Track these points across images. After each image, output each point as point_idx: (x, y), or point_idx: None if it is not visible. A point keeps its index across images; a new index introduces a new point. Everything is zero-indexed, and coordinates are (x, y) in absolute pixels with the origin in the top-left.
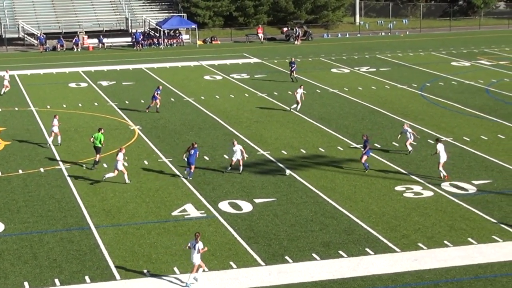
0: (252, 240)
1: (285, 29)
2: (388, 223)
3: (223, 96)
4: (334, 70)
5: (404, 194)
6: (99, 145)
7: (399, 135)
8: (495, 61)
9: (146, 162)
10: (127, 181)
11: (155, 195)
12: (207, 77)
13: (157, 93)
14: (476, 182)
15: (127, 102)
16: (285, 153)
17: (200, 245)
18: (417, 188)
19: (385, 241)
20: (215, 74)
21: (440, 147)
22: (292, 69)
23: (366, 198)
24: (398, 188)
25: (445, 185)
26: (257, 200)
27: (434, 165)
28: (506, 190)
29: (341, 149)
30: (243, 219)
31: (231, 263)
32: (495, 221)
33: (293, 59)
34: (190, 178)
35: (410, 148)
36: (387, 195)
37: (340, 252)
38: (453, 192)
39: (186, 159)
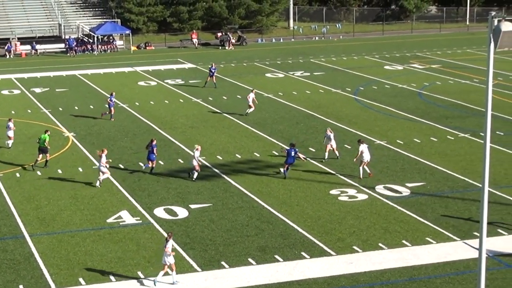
0: (188, 246)
1: (219, 34)
2: (323, 226)
3: (157, 102)
4: (268, 75)
5: (339, 198)
6: (43, 146)
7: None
8: (427, 65)
9: (80, 169)
10: (98, 184)
11: (90, 202)
12: (141, 83)
13: (110, 100)
14: (409, 185)
15: (60, 109)
16: (221, 158)
17: (169, 244)
18: (351, 192)
19: (321, 244)
20: (150, 80)
21: (363, 147)
22: (212, 75)
23: (302, 202)
24: (333, 191)
25: (379, 188)
26: (192, 206)
27: (368, 168)
28: (439, 192)
29: (276, 153)
30: (178, 225)
31: (168, 269)
32: (428, 223)
33: (213, 64)
34: (144, 167)
35: (337, 153)
36: (322, 199)
37: (276, 256)
38: (387, 195)
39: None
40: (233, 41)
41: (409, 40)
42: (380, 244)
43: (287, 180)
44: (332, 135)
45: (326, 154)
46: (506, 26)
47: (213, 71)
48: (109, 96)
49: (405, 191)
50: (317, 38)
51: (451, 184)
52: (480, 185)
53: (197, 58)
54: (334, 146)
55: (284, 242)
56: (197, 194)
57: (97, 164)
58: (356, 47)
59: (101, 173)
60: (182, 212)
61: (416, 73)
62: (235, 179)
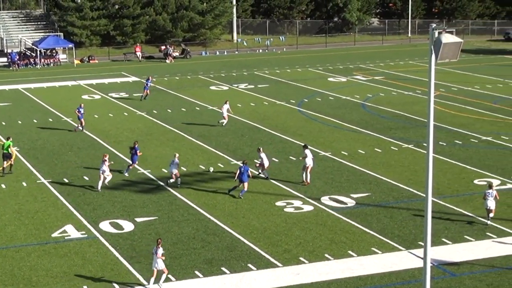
0: (134, 260)
1: (163, 47)
2: (269, 238)
3: (102, 115)
4: (213, 87)
5: (285, 209)
6: (7, 152)
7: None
8: (370, 76)
9: (24, 184)
10: (99, 189)
11: (35, 217)
12: (85, 97)
13: (79, 112)
14: (354, 196)
15: (3, 123)
16: (166, 171)
17: (160, 250)
18: (297, 203)
19: (267, 256)
20: (93, 93)
21: (307, 152)
22: (146, 88)
23: (248, 214)
24: (279, 203)
25: (325, 199)
26: (138, 219)
27: (314, 180)
28: (384, 203)
29: (222, 166)
30: (124, 239)
31: (114, 284)
32: (374, 233)
33: (150, 77)
34: (126, 174)
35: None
36: (268, 210)
37: (223, 268)
38: (333, 206)
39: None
40: (175, 54)
41: (352, 52)
42: (327, 255)
43: (232, 192)
44: (263, 156)
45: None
46: (446, 38)
47: (148, 83)
48: (77, 107)
49: (351, 202)
50: (260, 50)
51: (395, 194)
52: (424, 195)
53: (141, 71)
54: (266, 165)
55: (231, 254)
56: (143, 207)
57: (41, 179)
58: (299, 60)
59: (102, 176)
60: (127, 226)
61: (359, 85)
62: (181, 191)
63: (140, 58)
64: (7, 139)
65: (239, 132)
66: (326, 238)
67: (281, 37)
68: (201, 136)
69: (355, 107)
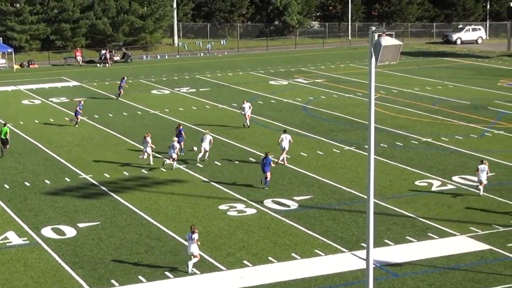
0: (77, 265)
1: (103, 51)
2: (213, 242)
3: (42, 120)
4: (154, 91)
5: (228, 213)
6: (5, 138)
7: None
8: (311, 79)
9: None
10: (151, 162)
11: None
12: (25, 102)
13: (80, 108)
14: (297, 198)
15: None
16: (108, 176)
17: (195, 236)
18: (240, 206)
19: (211, 260)
20: (34, 98)
21: (284, 136)
22: (120, 87)
23: (191, 218)
24: (222, 207)
25: (268, 202)
26: (80, 225)
27: (256, 183)
28: (326, 205)
29: (164, 170)
30: (67, 245)
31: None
32: (317, 235)
33: (124, 78)
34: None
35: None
36: (211, 214)
37: (166, 273)
38: (276, 209)
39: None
40: (116, 58)
41: (293, 55)
42: (270, 258)
43: (175, 196)
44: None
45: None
46: (386, 41)
47: (122, 83)
48: (78, 104)
49: (293, 205)
50: (202, 54)
51: (338, 196)
52: (366, 197)
53: (82, 76)
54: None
55: (174, 258)
56: (85, 213)
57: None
58: (241, 63)
59: (146, 154)
60: (70, 231)
61: (301, 88)
62: (123, 196)
63: (80, 63)
64: (4, 125)
65: None
66: (269, 241)
67: (222, 41)
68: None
69: (296, 110)
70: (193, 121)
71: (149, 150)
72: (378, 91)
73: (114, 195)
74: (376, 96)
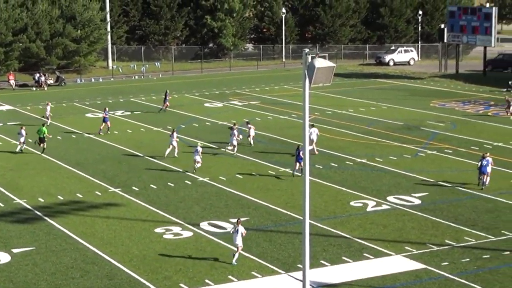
0: None
1: (37, 75)
2: (149, 265)
3: None
4: (89, 115)
5: (164, 236)
6: (43, 136)
7: None
8: (246, 101)
9: None
10: (176, 155)
11: None
12: None
13: (106, 114)
14: (233, 220)
15: None
16: (42, 200)
17: (241, 228)
18: (176, 229)
19: (147, 283)
20: None
21: (313, 130)
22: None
23: (127, 241)
24: (158, 230)
25: (204, 225)
26: (15, 250)
27: (192, 205)
28: (262, 227)
29: (99, 193)
30: (1, 271)
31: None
32: (253, 257)
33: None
34: None
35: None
36: (147, 237)
37: None
38: (212, 231)
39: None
40: (50, 81)
41: (228, 77)
42: (207, 280)
43: (111, 220)
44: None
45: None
46: (319, 63)
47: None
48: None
49: (230, 227)
50: (136, 77)
51: (274, 218)
52: (302, 218)
53: (15, 100)
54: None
55: (110, 283)
56: (19, 238)
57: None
58: (175, 85)
59: (171, 145)
60: (4, 257)
61: (236, 110)
62: (58, 221)
63: (13, 86)
64: (43, 125)
65: (116, 159)
66: (206, 264)
67: (156, 63)
68: (77, 164)
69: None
70: (128, 144)
71: (174, 143)
72: (313, 112)
73: (49, 220)
74: (311, 117)
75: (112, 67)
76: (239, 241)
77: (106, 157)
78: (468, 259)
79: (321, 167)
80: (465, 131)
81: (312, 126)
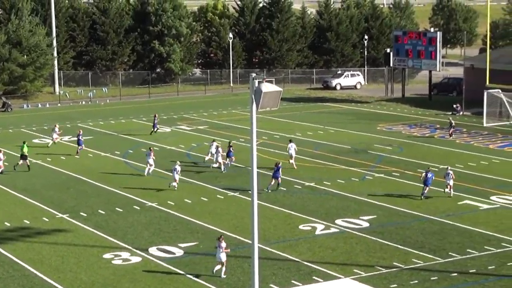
0: None
1: None
2: None
3: None
4: (36, 140)
5: (113, 261)
6: (23, 153)
7: None
8: (194, 126)
9: None
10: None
11: None
12: None
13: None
14: (182, 245)
15: None
16: None
17: (223, 244)
18: (125, 255)
19: None
20: None
21: (290, 145)
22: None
23: (75, 268)
24: (107, 255)
25: (153, 250)
26: None
27: (141, 231)
28: (212, 251)
29: (47, 220)
30: None
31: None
32: (203, 282)
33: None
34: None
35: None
36: (95, 263)
37: None
38: (161, 256)
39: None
40: None
41: (176, 102)
42: None
43: (59, 246)
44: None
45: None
46: (266, 87)
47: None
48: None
49: (179, 252)
50: (84, 102)
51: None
52: (251, 242)
53: None
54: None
55: None
56: None
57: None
58: (123, 111)
59: (149, 165)
60: None
61: (184, 135)
62: (5, 247)
63: None
64: (23, 143)
65: (64, 185)
66: None
67: (104, 89)
68: (25, 190)
69: (180, 156)
70: (75, 169)
71: (151, 161)
72: (261, 137)
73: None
74: (258, 142)
75: (59, 93)
76: (223, 257)
77: (53, 183)
78: (416, 281)
79: (269, 191)
80: (411, 154)
81: (290, 141)
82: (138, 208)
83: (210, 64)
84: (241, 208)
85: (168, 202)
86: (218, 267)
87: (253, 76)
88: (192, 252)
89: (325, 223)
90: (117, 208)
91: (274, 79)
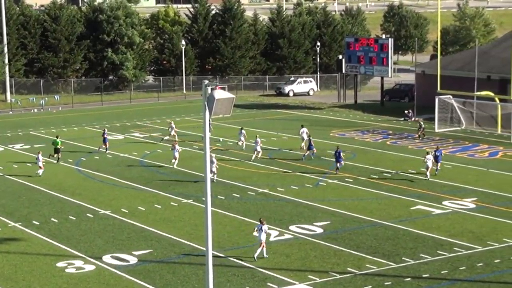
0: None
1: None
2: None
3: None
4: None
5: (66, 270)
6: (57, 147)
7: None
8: (147, 133)
9: None
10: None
11: None
12: None
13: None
14: (136, 253)
15: None
16: None
17: (265, 227)
18: (78, 263)
19: None
20: None
21: (303, 130)
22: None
23: (28, 277)
24: (60, 264)
25: (107, 258)
26: None
27: (95, 238)
28: (166, 258)
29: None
30: None
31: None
32: None
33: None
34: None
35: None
36: (48, 272)
37: None
38: (115, 264)
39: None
40: None
41: (129, 109)
42: None
43: (11, 255)
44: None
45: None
46: (219, 94)
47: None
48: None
49: (133, 259)
50: (35, 110)
51: (177, 250)
52: (205, 249)
53: None
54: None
55: None
56: None
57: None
58: (76, 118)
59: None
60: None
61: (137, 142)
62: None
63: None
64: (57, 137)
65: (16, 194)
66: None
67: (56, 96)
68: None
69: (133, 163)
70: (27, 178)
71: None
72: (214, 144)
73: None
74: (212, 148)
75: (11, 100)
76: (263, 238)
77: (5, 191)
78: (370, 286)
79: (223, 197)
80: (364, 160)
81: (302, 126)
82: (92, 216)
83: (163, 71)
84: (195, 215)
85: (122, 209)
86: (259, 250)
87: (206, 83)
88: (146, 260)
89: (279, 229)
90: (70, 216)
91: (227, 86)
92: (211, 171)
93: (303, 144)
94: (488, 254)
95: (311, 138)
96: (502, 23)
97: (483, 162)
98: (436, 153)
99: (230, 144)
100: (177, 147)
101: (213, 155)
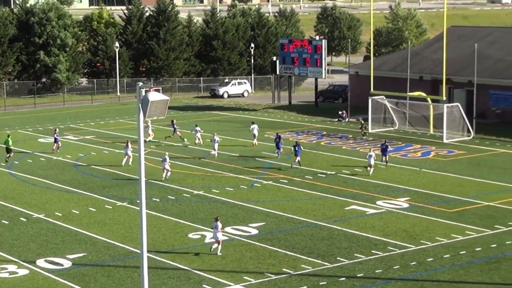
0: None
1: None
2: None
3: None
4: None
5: (0, 275)
6: (8, 146)
7: None
8: (81, 136)
9: None
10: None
11: None
12: None
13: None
14: (70, 256)
15: None
16: None
17: (219, 224)
18: (12, 268)
19: None
20: None
21: (253, 126)
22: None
23: None
24: None
25: (40, 262)
26: None
27: (28, 243)
28: (100, 262)
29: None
30: None
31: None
32: None
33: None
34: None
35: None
36: None
37: None
38: (49, 268)
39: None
40: None
41: (62, 112)
42: None
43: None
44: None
45: None
46: (153, 96)
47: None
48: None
49: (67, 263)
50: None
51: (112, 252)
52: (140, 252)
53: None
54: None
55: None
56: None
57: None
58: (8, 121)
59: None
60: None
61: (70, 145)
62: None
63: None
64: (8, 136)
65: None
66: None
67: None
68: None
69: (67, 167)
70: None
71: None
72: (149, 146)
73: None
74: (146, 151)
75: None
76: (219, 236)
77: None
78: (305, 287)
79: (158, 200)
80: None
81: (253, 123)
82: (25, 220)
83: (97, 74)
84: (129, 218)
85: (56, 213)
86: (215, 245)
87: (140, 85)
88: (80, 263)
89: (212, 230)
90: (3, 221)
91: (161, 87)
92: (164, 169)
93: (255, 141)
94: (421, 253)
95: (281, 137)
96: (434, 24)
97: (416, 162)
98: (383, 146)
99: (163, 146)
100: (130, 145)
101: (167, 153)
